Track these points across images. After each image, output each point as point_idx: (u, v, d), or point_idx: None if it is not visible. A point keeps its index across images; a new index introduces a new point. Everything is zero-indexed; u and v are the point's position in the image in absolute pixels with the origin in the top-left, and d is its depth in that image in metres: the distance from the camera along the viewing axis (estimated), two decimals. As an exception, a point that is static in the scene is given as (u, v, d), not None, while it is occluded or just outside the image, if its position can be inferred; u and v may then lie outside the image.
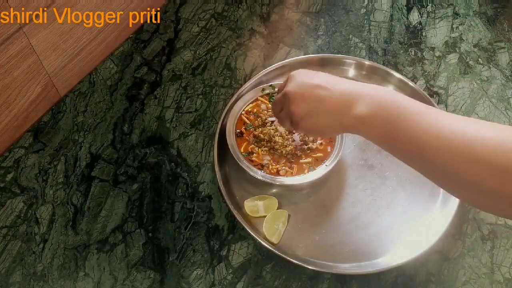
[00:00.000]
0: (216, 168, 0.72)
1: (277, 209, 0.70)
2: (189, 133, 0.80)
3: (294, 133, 0.75)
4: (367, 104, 0.53)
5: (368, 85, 0.56)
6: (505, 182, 0.43)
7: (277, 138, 0.74)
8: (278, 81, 0.82)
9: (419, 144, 0.49)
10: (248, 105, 0.79)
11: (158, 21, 0.96)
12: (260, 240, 0.66)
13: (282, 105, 0.62)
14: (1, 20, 0.64)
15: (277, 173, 0.72)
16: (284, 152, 0.73)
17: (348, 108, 0.54)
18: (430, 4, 1.01)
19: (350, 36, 0.95)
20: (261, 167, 0.72)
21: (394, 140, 0.51)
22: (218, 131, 0.76)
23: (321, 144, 0.74)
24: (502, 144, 0.44)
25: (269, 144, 0.74)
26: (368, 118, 0.52)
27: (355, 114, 0.53)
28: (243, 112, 0.78)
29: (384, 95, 0.53)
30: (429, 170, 0.51)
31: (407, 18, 0.98)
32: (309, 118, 0.58)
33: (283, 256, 0.64)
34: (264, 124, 0.76)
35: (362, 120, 0.53)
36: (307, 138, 0.74)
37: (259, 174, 0.71)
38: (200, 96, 0.85)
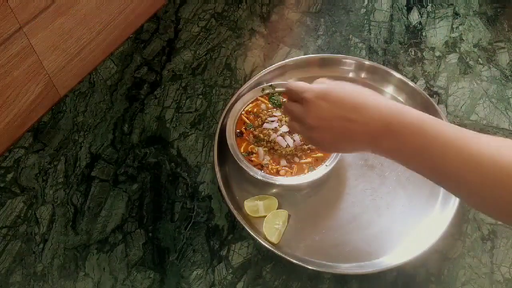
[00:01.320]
0: (216, 168, 0.72)
1: (277, 209, 0.70)
2: (189, 133, 0.80)
3: (294, 133, 0.75)
4: (395, 137, 0.51)
5: (396, 109, 0.52)
6: None
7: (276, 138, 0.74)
8: (278, 81, 0.82)
9: (453, 173, 0.48)
10: (248, 105, 0.79)
11: (158, 21, 0.96)
12: (260, 240, 0.66)
13: (300, 122, 0.58)
14: (1, 20, 0.64)
15: (277, 173, 0.72)
16: (284, 152, 0.73)
17: (374, 140, 0.52)
18: (430, 4, 1.01)
19: (350, 36, 0.95)
20: (261, 167, 0.72)
21: (425, 168, 0.51)
22: (218, 131, 0.76)
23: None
24: None
25: (269, 144, 0.74)
26: (397, 150, 0.52)
27: (383, 147, 0.52)
28: (243, 112, 0.78)
29: (411, 125, 0.50)
30: (463, 194, 0.51)
31: (407, 18, 0.98)
32: (329, 145, 0.58)
33: (283, 256, 0.64)
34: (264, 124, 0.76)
35: (390, 152, 0.52)
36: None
37: (259, 174, 0.71)
38: (200, 96, 0.85)
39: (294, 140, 0.73)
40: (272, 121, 0.76)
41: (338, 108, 0.54)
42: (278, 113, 0.77)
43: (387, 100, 0.54)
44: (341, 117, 0.54)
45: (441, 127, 0.50)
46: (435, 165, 0.50)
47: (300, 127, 0.59)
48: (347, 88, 0.56)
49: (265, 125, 0.75)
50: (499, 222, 0.70)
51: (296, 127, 0.60)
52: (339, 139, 0.55)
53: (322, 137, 0.56)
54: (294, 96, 0.59)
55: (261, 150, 0.73)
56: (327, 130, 0.55)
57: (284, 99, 0.79)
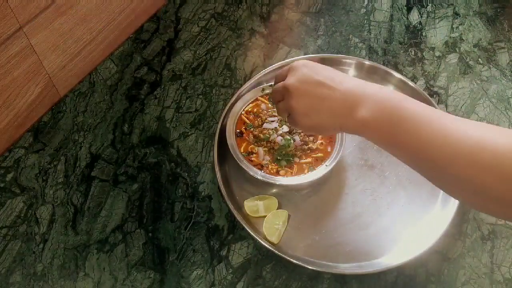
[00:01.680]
0: (216, 168, 0.72)
1: (277, 209, 0.70)
2: (189, 133, 0.80)
3: (294, 133, 0.75)
4: (370, 107, 0.51)
5: (372, 85, 0.55)
6: None
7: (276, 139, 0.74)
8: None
9: (425, 150, 0.48)
10: (248, 105, 0.79)
11: (158, 21, 0.96)
12: (260, 240, 0.66)
13: (282, 96, 0.60)
14: (1, 20, 0.64)
15: (277, 173, 0.72)
16: (284, 152, 0.73)
17: (351, 110, 0.53)
18: (430, 4, 1.01)
19: (350, 36, 0.95)
20: (261, 167, 0.72)
21: (399, 144, 0.51)
22: (218, 131, 0.76)
23: (321, 144, 0.74)
24: (510, 151, 0.43)
25: (269, 144, 0.74)
26: (372, 121, 0.51)
27: (358, 117, 0.52)
28: (243, 112, 0.78)
29: (388, 98, 0.52)
30: (435, 176, 0.50)
31: (407, 18, 0.98)
32: (309, 116, 0.57)
33: (283, 256, 0.64)
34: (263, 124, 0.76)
35: (365, 123, 0.52)
36: (307, 138, 0.74)
37: (259, 174, 0.71)
38: (200, 96, 0.85)
39: (294, 140, 0.73)
40: (272, 121, 0.76)
41: (317, 74, 0.57)
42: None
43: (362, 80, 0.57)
44: (319, 83, 0.56)
45: (416, 103, 0.51)
46: (408, 141, 0.49)
47: (282, 105, 0.61)
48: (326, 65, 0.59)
49: (265, 125, 0.75)
50: (499, 222, 0.70)
51: (280, 107, 0.62)
52: (315, 107, 0.56)
53: (299, 105, 0.57)
54: (280, 75, 0.62)
55: (261, 150, 0.73)
56: (305, 96, 0.57)
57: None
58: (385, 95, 0.52)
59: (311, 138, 0.75)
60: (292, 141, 0.73)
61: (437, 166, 0.48)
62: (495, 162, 0.44)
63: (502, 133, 0.46)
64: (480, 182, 0.45)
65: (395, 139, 0.51)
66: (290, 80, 0.58)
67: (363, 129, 0.53)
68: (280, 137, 0.74)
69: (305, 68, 0.58)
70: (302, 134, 0.75)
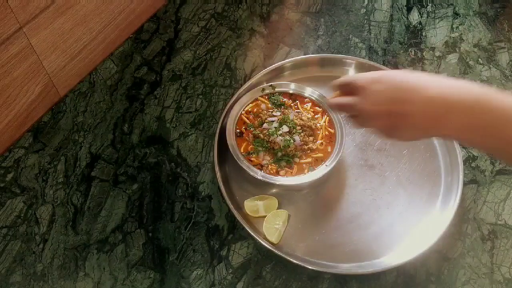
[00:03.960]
0: (216, 168, 0.72)
1: (277, 209, 0.70)
2: (189, 133, 0.80)
3: (294, 133, 0.75)
4: (459, 115, 0.49)
5: (450, 87, 0.50)
6: None
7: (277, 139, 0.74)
8: (278, 81, 0.82)
9: None
10: (248, 105, 0.79)
11: (158, 21, 0.96)
12: (260, 240, 0.66)
13: (357, 111, 0.56)
14: (1, 20, 0.64)
15: (277, 173, 0.72)
16: (284, 152, 0.73)
17: (436, 121, 0.50)
18: (430, 4, 1.01)
19: (350, 36, 0.95)
20: (261, 167, 0.72)
21: (499, 140, 0.49)
22: (218, 131, 0.76)
23: (321, 144, 0.74)
24: None
25: (268, 145, 0.74)
26: (463, 129, 0.49)
27: (448, 127, 0.50)
28: (243, 112, 0.78)
29: (475, 100, 0.48)
30: None
31: (407, 18, 0.98)
32: (391, 134, 0.55)
33: (283, 256, 0.64)
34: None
35: (459, 132, 0.50)
36: (307, 138, 0.74)
37: (259, 174, 0.70)
38: (200, 96, 0.85)
39: (294, 141, 0.73)
40: (272, 121, 0.76)
41: (394, 90, 0.52)
42: (278, 113, 0.77)
43: (442, 79, 0.52)
44: (398, 99, 0.51)
45: (506, 99, 0.48)
46: (507, 138, 0.48)
47: (359, 119, 0.57)
48: (398, 72, 0.54)
49: (265, 125, 0.75)
50: (499, 222, 0.70)
51: (356, 120, 0.58)
52: (398, 125, 0.53)
53: (379, 125, 0.55)
54: (345, 88, 0.58)
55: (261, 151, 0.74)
56: (386, 117, 0.53)
57: (285, 99, 0.79)
58: (469, 98, 0.49)
59: (311, 138, 0.75)
60: (292, 141, 0.73)
61: None
62: None
63: None
64: None
65: (493, 138, 0.49)
66: (364, 104, 0.54)
67: (458, 136, 0.52)
68: (280, 137, 0.74)
69: (376, 84, 0.53)
70: (302, 134, 0.75)
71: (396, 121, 0.52)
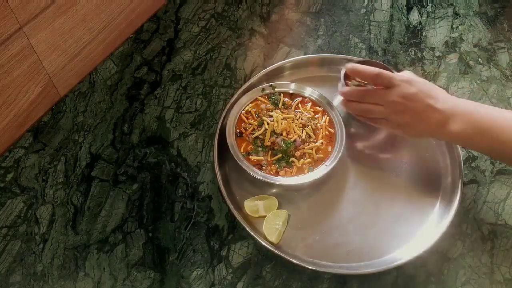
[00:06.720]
0: (216, 168, 0.72)
1: (277, 209, 0.70)
2: (189, 133, 0.80)
3: (294, 133, 0.74)
4: (459, 122, 0.64)
5: (458, 103, 0.66)
6: None
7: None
8: (278, 81, 0.82)
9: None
10: (248, 105, 0.79)
11: (158, 21, 0.96)
12: (260, 240, 0.66)
13: (384, 103, 0.67)
14: (1, 20, 0.64)
15: (277, 173, 0.72)
16: (284, 152, 0.73)
17: (445, 122, 0.64)
18: (430, 4, 1.01)
19: (350, 36, 0.95)
20: (261, 167, 0.72)
21: (492, 143, 0.64)
22: (218, 131, 0.76)
23: (321, 144, 0.74)
24: None
25: (268, 145, 0.74)
26: (462, 133, 0.64)
27: (451, 131, 0.64)
28: (243, 112, 0.78)
29: (472, 111, 0.65)
30: None
31: (407, 18, 0.98)
32: (407, 127, 0.67)
33: (283, 256, 0.64)
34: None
35: (457, 135, 0.65)
36: (307, 138, 0.74)
37: (259, 174, 0.70)
38: (200, 96, 0.85)
39: (294, 141, 0.73)
40: (272, 121, 0.76)
41: (422, 90, 0.65)
42: (278, 113, 0.77)
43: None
44: (424, 96, 0.65)
45: (493, 112, 0.66)
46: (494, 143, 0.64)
47: (385, 109, 0.67)
48: (426, 81, 0.69)
49: (265, 125, 0.75)
50: (499, 222, 0.70)
51: (381, 110, 0.68)
52: (417, 118, 0.65)
53: (400, 119, 0.67)
54: (381, 81, 0.67)
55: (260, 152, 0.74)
56: (409, 110, 0.65)
57: (285, 99, 0.79)
58: (469, 109, 0.65)
59: (311, 138, 0.75)
60: (292, 141, 0.73)
61: None
62: None
63: None
64: None
65: (483, 144, 0.65)
66: (396, 95, 0.66)
67: (455, 139, 0.67)
68: (280, 138, 0.74)
69: (408, 85, 0.66)
70: (302, 134, 0.74)
71: (416, 115, 0.65)
